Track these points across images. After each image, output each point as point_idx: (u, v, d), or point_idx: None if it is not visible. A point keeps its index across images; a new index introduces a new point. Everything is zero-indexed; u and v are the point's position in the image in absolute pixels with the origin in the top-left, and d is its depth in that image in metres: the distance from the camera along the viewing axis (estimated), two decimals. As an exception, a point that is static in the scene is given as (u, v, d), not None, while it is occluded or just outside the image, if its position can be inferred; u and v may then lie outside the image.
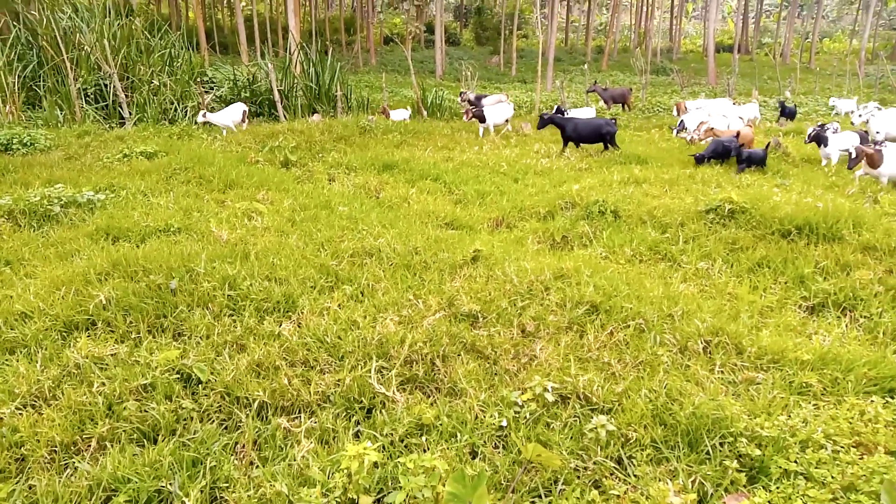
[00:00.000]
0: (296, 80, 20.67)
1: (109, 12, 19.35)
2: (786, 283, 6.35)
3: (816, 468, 3.41)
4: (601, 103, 24.17)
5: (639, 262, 7.03)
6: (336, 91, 20.34)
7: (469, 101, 20.88)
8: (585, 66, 33.11)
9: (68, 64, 16.49)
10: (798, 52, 48.10)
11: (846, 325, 5.51)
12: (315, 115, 19.06)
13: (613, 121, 14.52)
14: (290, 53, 22.88)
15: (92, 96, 17.45)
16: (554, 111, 18.23)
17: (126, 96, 17.19)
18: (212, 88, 20.14)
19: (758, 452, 3.52)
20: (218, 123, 15.12)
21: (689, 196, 9.10)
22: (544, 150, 14.40)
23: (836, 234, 7.15)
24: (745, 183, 10.34)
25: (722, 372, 4.50)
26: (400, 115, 18.83)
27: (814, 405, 4.09)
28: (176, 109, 17.86)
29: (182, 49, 20.86)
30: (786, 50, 50.60)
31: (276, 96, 18.91)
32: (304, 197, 9.13)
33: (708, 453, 3.58)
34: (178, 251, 6.06)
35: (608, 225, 8.04)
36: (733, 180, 10.51)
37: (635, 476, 3.45)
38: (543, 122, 14.95)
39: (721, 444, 3.63)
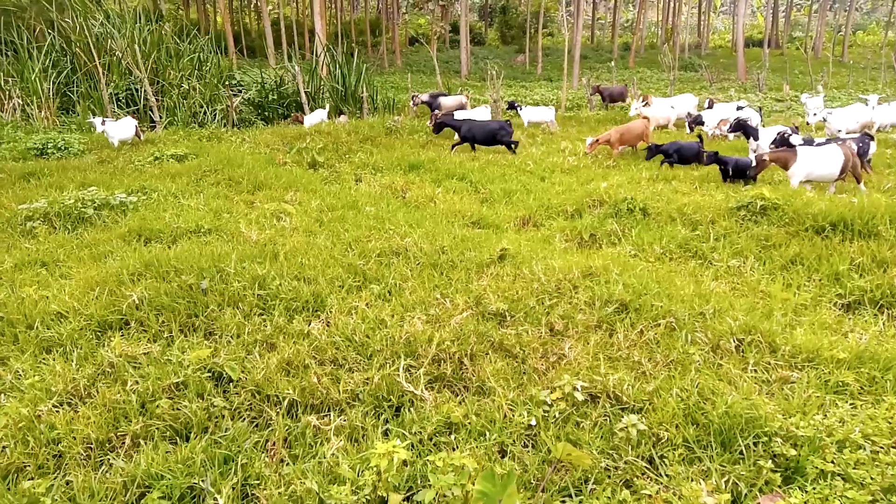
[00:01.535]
0: (322, 82, 20.87)
1: (140, 18, 19.73)
2: (820, 280, 6.22)
3: (855, 469, 3.33)
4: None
5: (669, 259, 6.95)
6: (362, 92, 20.46)
7: (423, 102, 19.49)
8: (612, 63, 32.82)
9: (100, 69, 16.84)
10: (830, 46, 47.14)
11: (883, 323, 5.38)
12: (342, 116, 19.18)
13: (508, 123, 14.30)
14: (316, 56, 23.08)
15: (123, 101, 17.81)
16: (507, 107, 18.12)
17: (156, 100, 17.50)
18: (240, 91, 20.39)
19: (793, 452, 3.44)
20: (107, 135, 13.68)
21: (719, 193, 8.97)
22: (570, 147, 14.30)
23: (872, 231, 6.98)
24: (777, 179, 10.17)
25: (755, 371, 4.42)
26: (316, 117, 17.23)
27: (851, 404, 4.00)
28: (205, 113, 18.15)
29: (210, 53, 21.19)
30: (817, 43, 49.62)
31: (303, 98, 19.10)
32: (331, 197, 9.19)
33: (742, 453, 3.51)
34: (209, 252, 6.14)
35: (637, 223, 7.96)
36: (764, 176, 10.32)
37: (667, 476, 3.40)
38: (439, 127, 14.68)
39: (755, 444, 3.56)
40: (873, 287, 5.89)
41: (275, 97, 20.16)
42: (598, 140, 12.66)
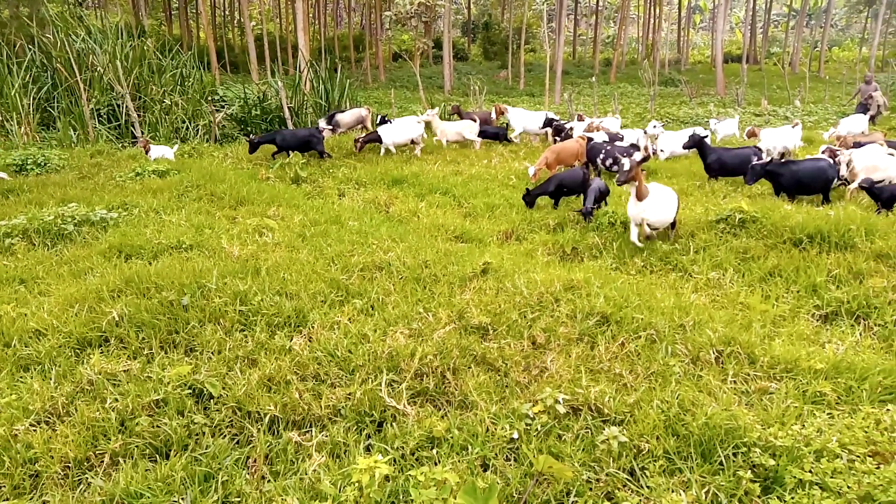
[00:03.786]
0: (306, 98, 20.87)
1: (122, 34, 19.66)
2: (798, 291, 6.31)
3: (832, 478, 3.36)
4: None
5: (649, 272, 7.02)
6: (346, 107, 20.47)
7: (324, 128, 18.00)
8: (593, 78, 33.14)
9: (82, 85, 16.75)
10: (807, 61, 47.96)
11: (860, 334, 5.47)
12: (325, 131, 19.12)
13: (319, 131, 15.30)
14: (299, 71, 23.10)
15: (105, 116, 17.69)
16: (379, 121, 18.06)
17: (138, 116, 17.42)
18: (223, 107, 20.36)
19: (772, 462, 3.48)
20: None
21: (699, 206, 9.09)
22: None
23: (848, 242, 7.10)
24: (756, 192, 10.31)
25: (734, 382, 4.46)
26: (159, 151, 13.89)
27: (828, 414, 4.05)
28: (187, 128, 18.10)
29: (193, 68, 21.14)
30: (794, 59, 50.44)
31: (287, 114, 19.06)
32: (314, 212, 9.19)
33: (721, 464, 3.54)
34: (190, 267, 6.11)
35: (618, 236, 8.03)
36: (744, 190, 10.47)
37: (648, 487, 3.42)
38: (254, 146, 14.74)
39: (734, 455, 3.59)
40: (850, 298, 5.98)
41: (258, 112, 20.12)
42: (539, 168, 12.31)
